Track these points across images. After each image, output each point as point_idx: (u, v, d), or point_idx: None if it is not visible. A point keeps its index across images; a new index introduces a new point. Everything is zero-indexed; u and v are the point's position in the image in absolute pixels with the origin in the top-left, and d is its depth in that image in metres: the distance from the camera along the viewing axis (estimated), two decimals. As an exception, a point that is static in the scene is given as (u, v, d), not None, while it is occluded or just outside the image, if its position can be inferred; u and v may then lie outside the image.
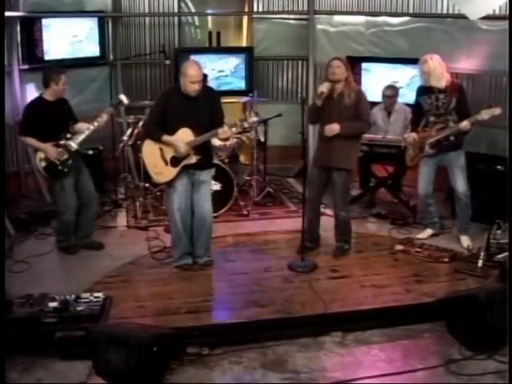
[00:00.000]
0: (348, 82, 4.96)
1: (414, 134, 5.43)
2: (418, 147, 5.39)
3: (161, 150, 4.81)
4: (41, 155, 5.09)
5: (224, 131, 4.65)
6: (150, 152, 4.87)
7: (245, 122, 4.86)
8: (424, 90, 5.32)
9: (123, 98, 5.36)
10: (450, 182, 5.48)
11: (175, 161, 4.79)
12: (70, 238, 5.38)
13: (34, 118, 5.05)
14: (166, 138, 4.72)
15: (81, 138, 5.15)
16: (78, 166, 5.29)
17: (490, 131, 6.14)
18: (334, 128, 4.90)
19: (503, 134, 5.76)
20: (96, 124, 5.15)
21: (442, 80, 5.19)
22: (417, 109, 5.47)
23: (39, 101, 5.10)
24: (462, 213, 5.41)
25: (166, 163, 4.81)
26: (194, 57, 7.26)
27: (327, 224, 5.56)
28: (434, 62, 5.16)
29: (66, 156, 5.09)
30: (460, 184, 5.32)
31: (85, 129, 5.16)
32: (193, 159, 4.78)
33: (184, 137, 4.71)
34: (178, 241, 4.99)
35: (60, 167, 5.10)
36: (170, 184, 4.85)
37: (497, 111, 4.91)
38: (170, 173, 4.82)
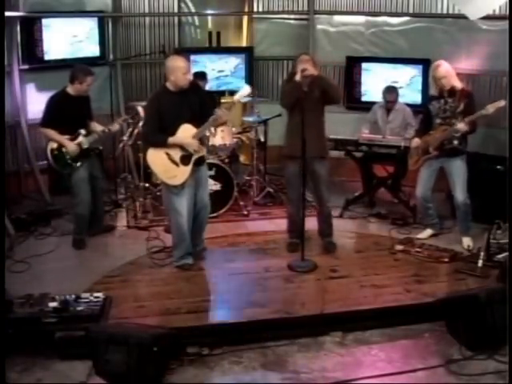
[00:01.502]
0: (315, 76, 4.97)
1: (417, 140, 5.43)
2: (422, 150, 5.38)
3: (167, 154, 4.78)
4: (53, 145, 5.29)
5: (223, 112, 4.74)
6: (157, 159, 4.81)
7: (237, 98, 4.90)
8: (435, 97, 5.34)
9: (140, 110, 5.62)
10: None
11: (185, 159, 4.79)
12: (83, 232, 5.53)
13: (55, 110, 5.26)
14: (171, 139, 4.71)
15: (93, 138, 5.42)
16: (91, 161, 5.54)
17: (489, 131, 6.14)
18: (312, 69, 4.86)
19: (503, 134, 5.76)
20: (110, 129, 5.52)
21: (457, 80, 5.23)
22: (425, 116, 5.47)
23: (62, 94, 5.30)
24: (462, 218, 5.40)
25: (177, 164, 4.79)
26: (193, 57, 7.37)
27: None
28: (446, 65, 5.21)
29: (77, 152, 5.30)
30: (459, 193, 5.28)
31: (99, 131, 5.44)
32: (203, 151, 4.87)
33: (187, 133, 4.74)
34: (181, 241, 4.97)
35: (69, 161, 5.30)
36: (184, 184, 4.81)
37: (501, 103, 4.92)
38: (184, 172, 4.80)
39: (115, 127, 5.56)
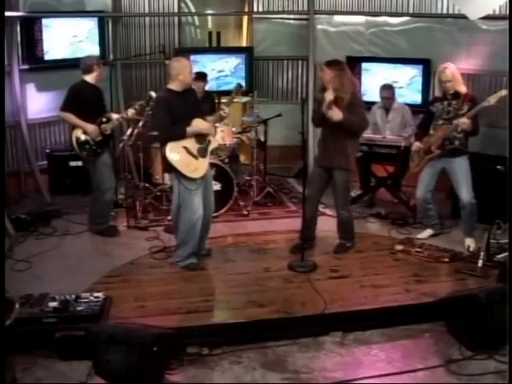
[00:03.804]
0: (334, 84, 4.95)
1: (417, 143, 5.43)
2: (423, 152, 5.38)
3: (185, 148, 4.83)
4: (77, 133, 5.45)
5: (225, 110, 5.02)
6: (177, 155, 4.82)
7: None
8: (438, 99, 5.35)
9: (153, 94, 5.71)
10: (451, 184, 5.47)
11: (203, 151, 4.92)
12: (108, 219, 5.74)
13: (76, 96, 5.41)
14: (190, 129, 4.82)
15: (114, 124, 5.62)
16: (112, 151, 5.87)
17: (489, 131, 6.14)
18: (336, 113, 4.89)
19: (503, 134, 5.76)
20: (127, 113, 5.70)
21: (462, 85, 5.23)
22: (427, 116, 5.46)
23: (83, 84, 5.48)
24: (467, 219, 5.37)
25: (196, 157, 4.87)
26: (193, 57, 7.37)
27: (328, 223, 5.60)
28: (453, 67, 5.22)
29: (100, 138, 5.48)
30: (464, 193, 5.26)
31: (118, 117, 5.66)
32: (217, 142, 5.08)
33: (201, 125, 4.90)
34: (189, 240, 4.95)
35: (94, 147, 5.49)
36: (201, 179, 4.88)
37: (503, 93, 4.91)
38: (203, 164, 4.92)
39: (131, 112, 5.70)
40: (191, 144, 4.86)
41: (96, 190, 5.65)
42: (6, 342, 3.38)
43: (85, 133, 5.45)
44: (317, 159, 5.35)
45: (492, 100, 4.92)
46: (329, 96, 4.89)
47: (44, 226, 5.87)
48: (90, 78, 5.47)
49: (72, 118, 5.44)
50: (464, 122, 5.04)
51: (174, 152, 4.82)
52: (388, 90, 6.51)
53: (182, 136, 4.80)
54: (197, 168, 4.86)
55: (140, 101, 5.77)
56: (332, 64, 5.00)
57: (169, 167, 4.89)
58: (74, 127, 5.50)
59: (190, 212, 4.86)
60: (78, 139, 5.46)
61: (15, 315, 3.65)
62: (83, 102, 5.39)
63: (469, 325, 3.95)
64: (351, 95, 4.98)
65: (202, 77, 6.62)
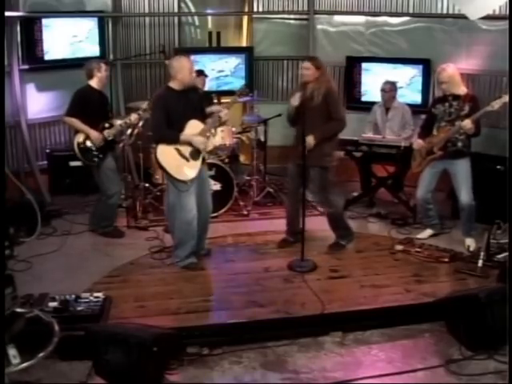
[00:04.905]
0: (318, 81, 5.05)
1: (420, 141, 5.43)
2: (425, 152, 5.38)
3: (177, 149, 4.83)
4: (79, 139, 5.46)
5: (225, 112, 5.01)
6: (167, 156, 4.83)
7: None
8: (439, 100, 5.36)
9: None
10: (451, 184, 5.47)
11: (195, 153, 4.88)
12: (113, 221, 5.76)
13: (81, 101, 5.42)
14: (183, 137, 4.80)
15: (116, 129, 5.61)
16: (115, 154, 5.80)
17: (490, 131, 6.14)
18: (309, 142, 5.04)
19: (504, 135, 5.76)
20: (130, 119, 5.70)
21: (461, 86, 5.24)
22: (429, 117, 5.46)
23: (88, 89, 5.50)
24: (466, 220, 5.38)
25: (187, 159, 4.85)
26: (193, 57, 7.34)
27: (327, 223, 5.59)
28: (451, 69, 5.21)
29: (102, 143, 5.48)
30: (464, 195, 5.26)
31: (121, 122, 5.66)
32: (210, 146, 5.00)
33: (195, 129, 4.85)
34: (188, 240, 4.95)
35: (96, 153, 5.48)
36: (192, 180, 4.86)
37: (506, 98, 4.91)
38: (194, 167, 4.88)
39: (134, 117, 5.71)
40: (184, 146, 4.84)
41: (102, 193, 5.65)
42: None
43: (87, 138, 5.45)
44: (291, 157, 5.35)
45: (496, 105, 4.92)
46: (294, 101, 5.08)
47: (44, 226, 5.85)
48: (93, 83, 5.48)
49: (77, 124, 5.45)
50: (467, 124, 5.02)
51: (165, 153, 4.83)
52: (389, 83, 6.51)
53: (174, 141, 4.80)
54: (186, 170, 4.84)
55: (143, 105, 5.76)
56: (310, 60, 5.16)
57: (160, 168, 4.93)
58: (76, 132, 5.51)
59: (185, 212, 4.87)
60: (79, 144, 5.47)
61: (57, 338, 3.66)
62: (88, 107, 5.40)
63: (469, 325, 3.95)
64: (326, 93, 5.03)
65: (201, 73, 6.63)
